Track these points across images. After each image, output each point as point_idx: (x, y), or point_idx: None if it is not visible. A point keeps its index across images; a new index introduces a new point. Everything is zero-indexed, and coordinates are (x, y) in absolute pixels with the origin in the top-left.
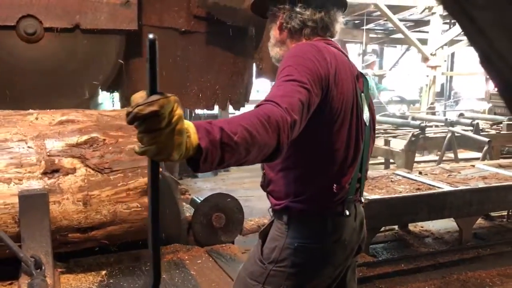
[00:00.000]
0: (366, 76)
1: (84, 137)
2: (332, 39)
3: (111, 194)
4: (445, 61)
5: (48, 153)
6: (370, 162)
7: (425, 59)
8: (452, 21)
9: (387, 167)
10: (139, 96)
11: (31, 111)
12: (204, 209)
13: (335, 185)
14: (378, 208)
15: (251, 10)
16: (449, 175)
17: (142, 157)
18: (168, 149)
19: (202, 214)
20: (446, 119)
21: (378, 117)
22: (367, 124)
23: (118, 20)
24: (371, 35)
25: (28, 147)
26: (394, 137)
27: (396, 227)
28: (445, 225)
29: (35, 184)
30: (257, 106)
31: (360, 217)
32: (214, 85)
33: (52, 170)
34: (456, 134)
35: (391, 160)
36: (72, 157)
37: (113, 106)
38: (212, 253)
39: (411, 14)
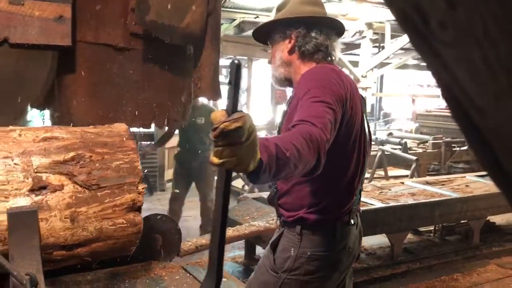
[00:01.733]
0: (363, 97)
1: (71, 154)
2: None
3: (98, 211)
4: (374, 82)
5: (35, 170)
6: None
7: (356, 80)
8: (381, 44)
9: None
10: (220, 114)
11: (12, 127)
12: None
13: (346, 196)
14: None
15: (253, 36)
16: (380, 192)
17: (128, 173)
18: (247, 160)
19: None
20: (377, 138)
21: None
22: (368, 140)
23: (51, 35)
24: None
25: (15, 164)
26: None
27: None
28: (378, 240)
29: (22, 201)
30: (293, 126)
31: (359, 226)
32: (151, 103)
33: (39, 187)
34: (386, 153)
35: None
36: (60, 173)
37: (43, 124)
38: (189, 268)
39: (342, 38)
